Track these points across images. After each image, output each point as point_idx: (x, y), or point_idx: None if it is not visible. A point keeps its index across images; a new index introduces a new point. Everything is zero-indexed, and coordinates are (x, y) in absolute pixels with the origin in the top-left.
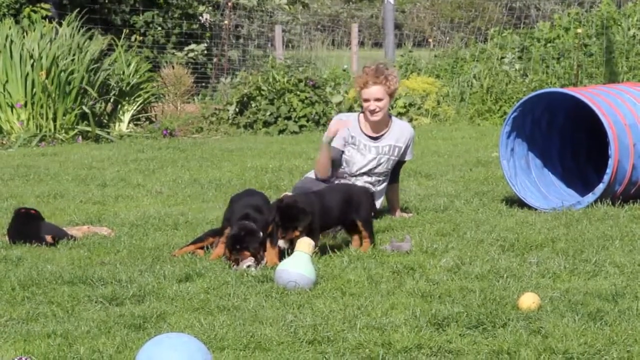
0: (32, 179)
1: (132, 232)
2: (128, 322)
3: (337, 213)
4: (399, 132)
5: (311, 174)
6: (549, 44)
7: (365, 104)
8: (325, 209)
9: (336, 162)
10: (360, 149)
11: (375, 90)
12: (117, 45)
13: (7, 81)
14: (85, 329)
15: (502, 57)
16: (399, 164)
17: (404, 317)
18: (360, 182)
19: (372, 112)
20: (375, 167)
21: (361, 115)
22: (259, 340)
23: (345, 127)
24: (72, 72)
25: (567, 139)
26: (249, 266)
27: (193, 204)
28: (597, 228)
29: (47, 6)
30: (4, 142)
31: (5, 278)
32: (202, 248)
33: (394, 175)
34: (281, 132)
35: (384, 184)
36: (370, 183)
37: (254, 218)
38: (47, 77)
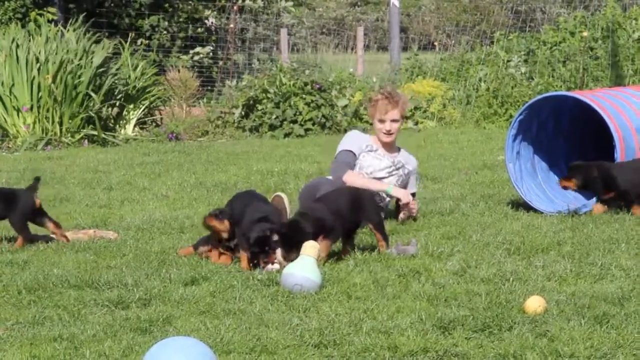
0: None
1: (138, 235)
2: (134, 325)
3: (347, 217)
4: (407, 158)
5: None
6: (554, 47)
7: (380, 125)
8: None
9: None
10: (378, 154)
11: (391, 112)
12: (123, 49)
13: (13, 85)
14: (91, 332)
15: (508, 61)
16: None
17: (410, 320)
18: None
19: (388, 132)
20: (387, 177)
21: (374, 137)
22: (264, 343)
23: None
24: (79, 76)
25: (573, 142)
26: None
27: (199, 207)
28: (603, 231)
29: (53, 10)
30: (10, 145)
31: (12, 282)
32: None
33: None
34: (287, 135)
35: (387, 200)
36: (380, 197)
37: (272, 221)
38: (53, 81)
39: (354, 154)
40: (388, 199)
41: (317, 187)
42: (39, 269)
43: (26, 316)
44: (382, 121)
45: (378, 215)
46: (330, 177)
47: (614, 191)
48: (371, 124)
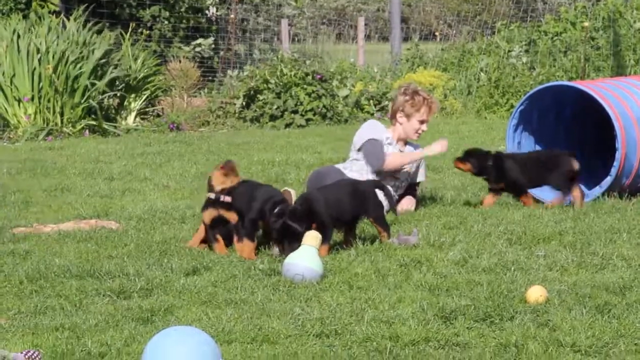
0: (39, 173)
1: (139, 225)
2: (136, 315)
3: (347, 210)
4: (413, 149)
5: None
6: (556, 37)
7: (420, 125)
8: (335, 206)
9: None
10: (395, 148)
11: (431, 115)
12: (124, 40)
13: (14, 75)
14: (93, 322)
15: (509, 51)
16: (414, 186)
17: (412, 310)
18: (386, 182)
19: (422, 132)
20: (402, 168)
21: (390, 130)
22: (266, 333)
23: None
24: (80, 67)
25: (575, 132)
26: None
27: (200, 197)
28: (604, 221)
29: (55, 1)
30: (11, 136)
31: (14, 272)
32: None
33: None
34: (288, 125)
35: (400, 192)
36: (395, 187)
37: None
38: (54, 72)
39: (381, 143)
40: (407, 178)
41: (326, 175)
42: (41, 258)
43: (28, 306)
44: (422, 122)
45: (378, 209)
46: (338, 165)
47: (504, 182)
48: (372, 114)
